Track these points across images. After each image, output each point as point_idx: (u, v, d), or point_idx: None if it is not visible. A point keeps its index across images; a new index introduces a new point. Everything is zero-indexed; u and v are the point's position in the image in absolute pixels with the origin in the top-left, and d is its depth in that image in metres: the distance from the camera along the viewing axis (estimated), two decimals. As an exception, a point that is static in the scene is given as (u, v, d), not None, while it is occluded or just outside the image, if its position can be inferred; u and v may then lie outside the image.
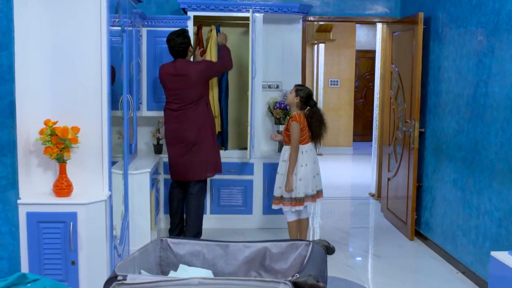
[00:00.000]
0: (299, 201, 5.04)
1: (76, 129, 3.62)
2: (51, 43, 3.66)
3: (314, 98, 11.51)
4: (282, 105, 6.20)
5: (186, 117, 5.24)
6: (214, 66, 5.43)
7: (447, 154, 5.23)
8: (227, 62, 5.49)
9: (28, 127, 3.63)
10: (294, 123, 4.99)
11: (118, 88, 4.38)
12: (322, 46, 11.63)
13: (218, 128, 5.90)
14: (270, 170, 5.97)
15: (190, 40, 5.34)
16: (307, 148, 5.09)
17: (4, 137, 3.48)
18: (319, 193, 5.22)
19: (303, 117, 5.05)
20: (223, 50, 5.53)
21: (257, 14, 5.95)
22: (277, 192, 5.14)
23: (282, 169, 5.13)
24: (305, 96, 5.07)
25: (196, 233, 5.43)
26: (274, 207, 5.20)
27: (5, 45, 3.44)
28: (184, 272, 2.75)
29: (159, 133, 5.98)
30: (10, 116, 3.50)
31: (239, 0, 6.37)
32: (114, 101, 4.17)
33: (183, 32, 5.28)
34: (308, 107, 5.09)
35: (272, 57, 6.43)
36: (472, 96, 4.75)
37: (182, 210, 5.54)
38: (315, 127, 5.08)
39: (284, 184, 5.06)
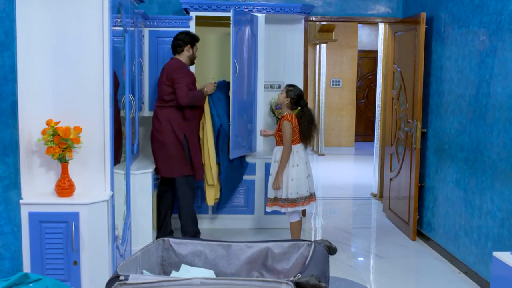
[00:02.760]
0: (291, 202, 4.99)
1: (78, 129, 3.62)
2: (53, 43, 3.66)
3: (316, 98, 11.54)
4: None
5: (156, 114, 5.30)
6: (181, 83, 5.11)
7: (449, 154, 5.22)
8: (190, 96, 5.15)
9: (30, 127, 3.63)
10: (286, 122, 4.95)
11: (120, 88, 4.38)
12: (324, 46, 11.63)
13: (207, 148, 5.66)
14: (272, 170, 5.97)
15: (190, 40, 5.28)
16: (298, 148, 5.04)
17: (6, 137, 3.48)
18: (312, 196, 5.14)
19: (294, 117, 5.03)
20: (199, 91, 5.35)
21: (259, 14, 5.95)
22: (270, 193, 5.10)
23: (274, 169, 5.08)
24: (296, 97, 5.02)
25: (194, 234, 5.45)
26: (268, 209, 5.13)
27: (7, 45, 3.44)
28: (186, 272, 2.75)
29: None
30: (13, 116, 3.51)
31: (241, 1, 6.37)
32: (116, 101, 4.17)
33: (187, 32, 5.36)
34: (298, 107, 5.08)
35: (274, 57, 6.43)
36: (474, 96, 4.74)
37: (167, 213, 5.55)
38: (304, 127, 5.04)
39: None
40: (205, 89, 5.42)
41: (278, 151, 5.05)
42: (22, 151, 3.57)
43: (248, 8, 5.92)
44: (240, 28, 5.63)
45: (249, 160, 6.04)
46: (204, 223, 5.95)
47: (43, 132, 3.55)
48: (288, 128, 4.95)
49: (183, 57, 5.30)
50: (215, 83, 5.56)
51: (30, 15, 3.59)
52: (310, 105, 5.21)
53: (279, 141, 5.05)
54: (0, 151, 3.49)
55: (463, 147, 4.92)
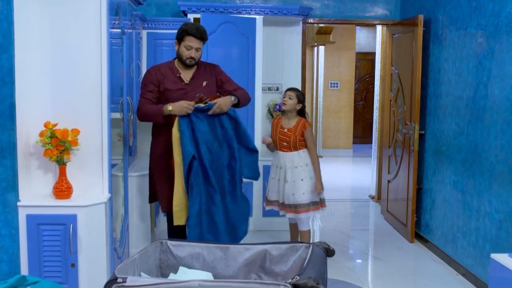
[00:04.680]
0: (323, 202, 5.00)
1: (76, 131, 3.62)
2: (51, 45, 3.66)
3: (314, 100, 11.55)
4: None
5: None
6: (141, 93, 4.33)
7: (447, 156, 5.23)
8: (142, 111, 4.24)
9: (28, 129, 3.63)
10: (310, 128, 4.92)
11: (118, 90, 4.38)
12: (322, 48, 11.64)
13: None
14: (270, 172, 5.95)
15: (178, 35, 4.25)
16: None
17: (4, 139, 3.48)
18: None
19: None
20: (154, 108, 4.19)
21: (257, 16, 5.96)
22: (305, 198, 4.85)
23: (304, 173, 4.88)
24: (304, 101, 4.98)
25: None
26: (305, 215, 4.88)
27: (5, 47, 3.44)
28: (184, 274, 2.74)
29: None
30: (10, 118, 3.50)
31: (239, 3, 6.37)
32: (114, 103, 4.17)
33: (181, 25, 4.36)
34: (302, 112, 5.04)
35: (272, 59, 6.44)
36: (472, 98, 4.75)
37: None
38: None
39: (312, 188, 4.87)
40: (170, 107, 4.05)
41: (296, 156, 4.92)
42: (19, 153, 3.57)
43: (246, 10, 5.92)
44: (214, 31, 5.63)
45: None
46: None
47: (41, 134, 3.55)
48: (312, 132, 4.95)
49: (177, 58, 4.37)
50: (194, 102, 4.10)
51: (28, 17, 3.58)
52: (308, 107, 5.21)
53: (299, 146, 4.92)
54: (-3, 153, 3.49)
55: (461, 149, 4.93)
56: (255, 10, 5.95)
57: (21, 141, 3.57)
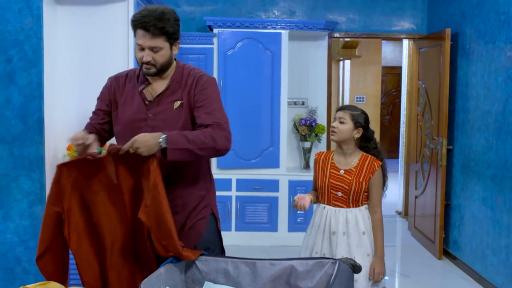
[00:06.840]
0: None
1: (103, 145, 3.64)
2: (79, 60, 3.71)
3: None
4: (308, 122, 6.18)
5: None
6: None
7: (476, 171, 5.14)
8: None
9: (56, 143, 3.67)
10: (380, 170, 3.10)
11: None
12: (347, 62, 11.61)
13: None
14: (296, 187, 5.94)
15: None
16: None
17: (32, 153, 3.52)
18: None
19: None
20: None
21: (283, 31, 5.97)
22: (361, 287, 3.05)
23: (366, 245, 3.08)
24: (367, 124, 3.18)
25: None
26: None
27: (34, 63, 3.50)
28: (209, 289, 2.73)
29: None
30: (39, 132, 3.55)
31: (265, 18, 6.39)
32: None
33: None
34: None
35: (298, 73, 6.44)
36: (501, 113, 4.67)
37: None
38: None
39: (370, 271, 3.07)
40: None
41: (356, 216, 3.09)
42: (47, 167, 3.61)
43: (271, 24, 5.95)
44: (234, 47, 5.79)
45: (271, 176, 6.00)
46: (228, 240, 5.92)
47: (69, 148, 3.59)
48: (381, 179, 3.12)
49: None
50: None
51: (57, 33, 3.64)
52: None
53: (361, 199, 3.10)
54: (26, 167, 3.53)
55: (490, 164, 4.84)
56: (280, 25, 5.97)
57: (49, 154, 3.62)
